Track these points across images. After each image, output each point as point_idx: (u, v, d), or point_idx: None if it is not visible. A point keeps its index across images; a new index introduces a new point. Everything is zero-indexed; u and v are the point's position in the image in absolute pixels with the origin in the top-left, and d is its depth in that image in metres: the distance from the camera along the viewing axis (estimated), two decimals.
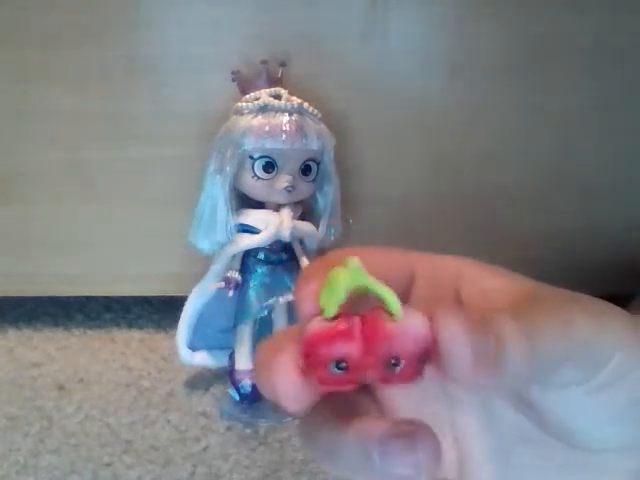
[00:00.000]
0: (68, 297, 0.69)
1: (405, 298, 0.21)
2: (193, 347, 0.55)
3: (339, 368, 0.16)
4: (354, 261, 0.17)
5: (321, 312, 0.17)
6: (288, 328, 0.20)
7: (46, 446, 0.49)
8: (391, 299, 0.17)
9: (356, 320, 0.17)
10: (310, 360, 0.17)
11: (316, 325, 0.17)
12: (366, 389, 0.22)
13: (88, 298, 0.70)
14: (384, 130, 0.59)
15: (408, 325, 0.17)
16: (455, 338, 0.16)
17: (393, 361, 0.16)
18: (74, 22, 0.55)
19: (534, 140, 0.60)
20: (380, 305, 0.17)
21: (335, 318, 0.17)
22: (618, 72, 0.58)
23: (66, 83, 0.57)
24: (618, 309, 0.19)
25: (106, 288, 0.65)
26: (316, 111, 0.51)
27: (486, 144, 0.60)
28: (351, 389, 0.17)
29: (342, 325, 0.17)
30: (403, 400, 0.22)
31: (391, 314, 0.17)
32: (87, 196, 0.60)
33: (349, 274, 0.17)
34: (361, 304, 0.17)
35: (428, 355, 0.17)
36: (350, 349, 0.16)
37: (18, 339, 0.64)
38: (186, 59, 0.56)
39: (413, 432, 0.17)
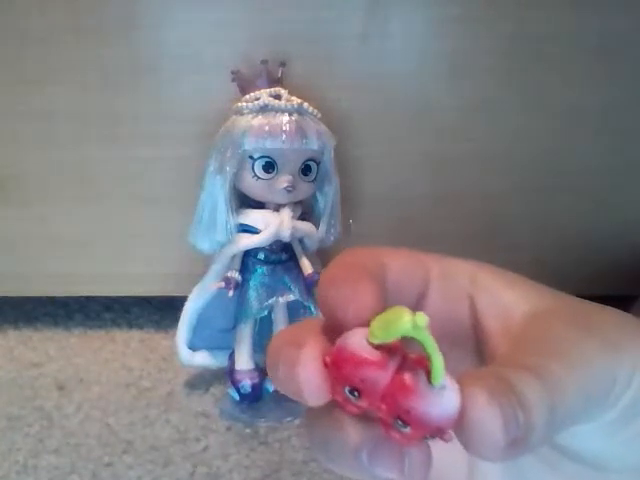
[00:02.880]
0: (68, 297, 0.69)
1: (420, 302, 0.21)
2: (193, 347, 0.55)
3: (351, 393, 0.16)
4: (423, 320, 0.16)
5: (369, 330, 0.17)
6: (304, 322, 0.19)
7: (46, 446, 0.49)
8: (438, 366, 0.16)
9: (393, 364, 0.16)
10: (332, 372, 0.17)
11: (357, 342, 0.16)
12: None
13: (88, 298, 0.70)
14: (384, 130, 0.59)
15: (437, 403, 0.16)
16: (486, 425, 0.16)
17: (401, 422, 0.16)
18: (74, 22, 0.55)
19: (534, 140, 0.60)
20: (425, 358, 0.16)
21: (377, 347, 0.16)
22: (618, 72, 0.58)
23: (66, 83, 0.57)
24: (636, 328, 0.19)
25: (106, 288, 0.65)
26: (316, 111, 0.51)
27: (486, 144, 0.60)
28: (352, 413, 0.17)
29: (379, 362, 0.16)
30: None
31: (430, 379, 0.16)
32: (87, 196, 0.60)
33: (413, 328, 0.16)
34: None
35: (441, 432, 0.16)
36: (373, 388, 0.16)
37: (18, 339, 0.64)
38: (186, 59, 0.56)
39: None
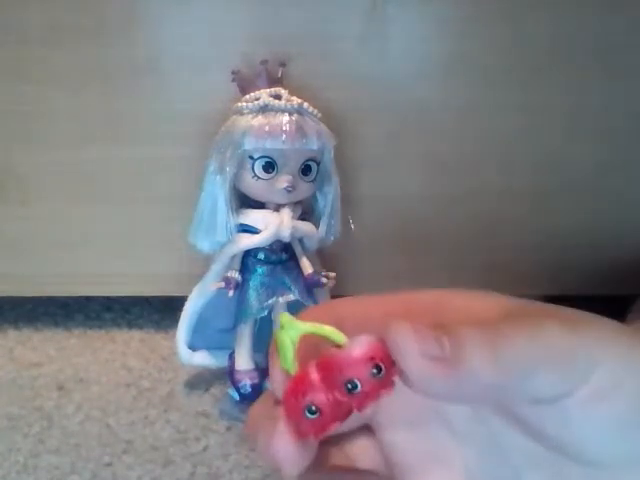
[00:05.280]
0: (68, 297, 0.69)
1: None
2: (193, 347, 0.55)
3: (312, 412, 0.18)
4: (284, 318, 0.19)
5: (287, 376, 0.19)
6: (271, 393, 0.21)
7: (46, 446, 0.49)
8: (332, 332, 0.18)
9: (310, 365, 0.18)
10: (290, 418, 0.18)
11: (287, 381, 0.19)
12: (369, 431, 0.23)
13: (88, 298, 0.70)
14: (384, 130, 0.59)
15: (351, 348, 0.18)
16: (406, 341, 0.17)
17: (349, 385, 0.17)
18: (74, 22, 0.55)
19: (534, 140, 0.60)
20: (332, 344, 0.18)
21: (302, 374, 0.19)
22: (618, 72, 0.58)
23: (66, 83, 0.57)
24: (605, 321, 0.19)
25: (106, 288, 0.65)
26: (316, 111, 0.51)
27: (486, 144, 0.60)
28: (338, 427, 0.18)
29: (297, 374, 0.18)
30: (409, 439, 0.22)
31: (339, 346, 0.18)
32: (87, 196, 0.60)
33: (286, 331, 0.19)
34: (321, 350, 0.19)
35: (384, 369, 0.18)
36: (311, 391, 0.18)
37: (18, 339, 0.64)
38: (186, 59, 0.56)
39: None
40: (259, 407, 0.21)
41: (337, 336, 0.18)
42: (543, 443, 0.19)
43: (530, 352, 0.17)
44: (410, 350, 0.17)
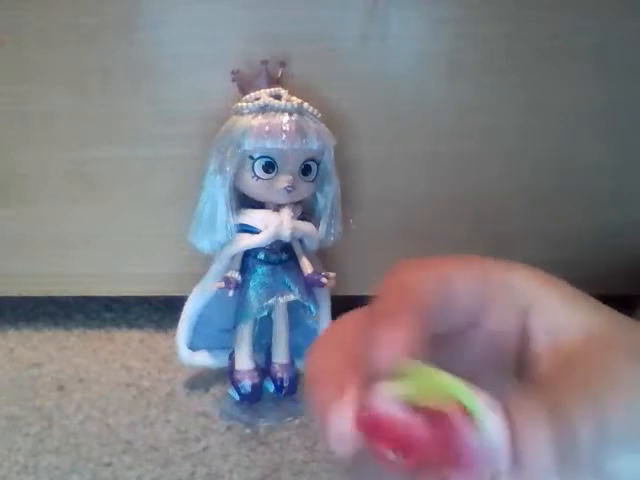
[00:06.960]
0: (68, 297, 0.69)
1: (478, 317, 0.21)
2: (193, 347, 0.55)
3: (395, 453, 0.16)
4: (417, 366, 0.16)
5: (400, 388, 0.16)
6: (341, 334, 0.19)
7: (46, 446, 0.49)
8: (469, 399, 0.16)
9: (428, 418, 0.16)
10: (369, 434, 0.16)
11: (389, 403, 0.16)
12: None
13: (88, 298, 0.70)
14: (384, 130, 0.59)
15: (483, 441, 0.16)
16: (542, 451, 0.16)
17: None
18: (74, 22, 0.55)
19: (534, 140, 0.60)
20: (459, 403, 0.16)
21: (409, 404, 0.16)
22: (618, 72, 0.58)
23: (66, 83, 0.57)
24: None
25: (106, 288, 0.65)
26: (316, 111, 0.51)
27: (486, 144, 0.60)
28: (400, 470, 0.17)
29: (417, 423, 0.16)
30: None
31: (471, 418, 0.16)
32: (87, 196, 0.60)
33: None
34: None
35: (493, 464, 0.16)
36: (412, 449, 0.16)
37: (18, 339, 0.64)
38: (186, 59, 0.56)
39: None
40: (325, 358, 0.19)
41: (472, 404, 0.16)
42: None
43: (629, 430, 0.17)
44: (543, 461, 0.16)
